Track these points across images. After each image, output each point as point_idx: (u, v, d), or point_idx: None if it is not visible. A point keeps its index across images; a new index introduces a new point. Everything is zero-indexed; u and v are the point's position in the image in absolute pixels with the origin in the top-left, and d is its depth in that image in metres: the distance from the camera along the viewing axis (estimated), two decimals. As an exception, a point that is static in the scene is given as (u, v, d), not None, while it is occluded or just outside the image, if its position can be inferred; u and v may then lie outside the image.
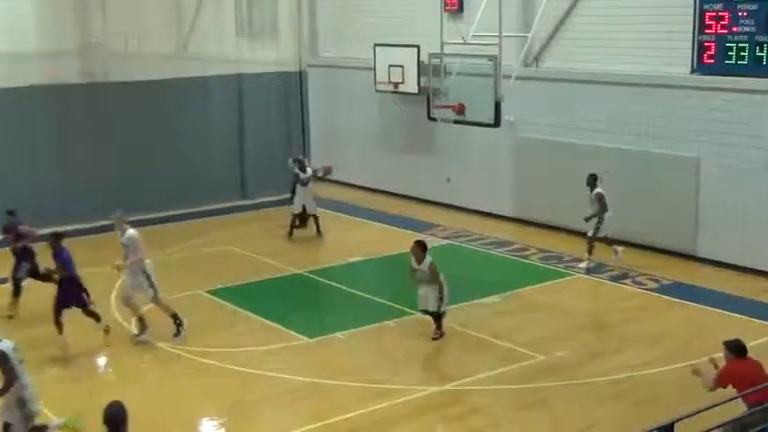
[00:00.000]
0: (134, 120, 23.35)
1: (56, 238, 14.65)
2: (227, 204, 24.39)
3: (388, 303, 16.67)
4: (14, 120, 21.75)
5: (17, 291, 16.35)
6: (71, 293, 14.53)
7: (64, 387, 13.22)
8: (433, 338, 14.72)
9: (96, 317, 14.88)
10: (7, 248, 16.70)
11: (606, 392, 12.76)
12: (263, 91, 25.39)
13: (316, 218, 21.56)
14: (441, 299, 14.59)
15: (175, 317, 15.14)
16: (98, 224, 20.35)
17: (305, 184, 21.15)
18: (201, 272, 18.89)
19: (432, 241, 19.64)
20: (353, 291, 17.52)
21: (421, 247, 14.78)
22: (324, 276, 18.65)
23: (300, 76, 26.19)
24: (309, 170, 21.31)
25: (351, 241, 21.42)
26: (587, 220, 18.24)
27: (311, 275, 18.73)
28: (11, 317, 16.06)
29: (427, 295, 14.65)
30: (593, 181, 18.23)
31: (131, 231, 15.04)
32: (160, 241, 20.61)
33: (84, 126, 22.60)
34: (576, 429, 11.76)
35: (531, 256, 19.54)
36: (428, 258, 14.62)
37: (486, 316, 16.04)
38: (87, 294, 14.75)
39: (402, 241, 18.74)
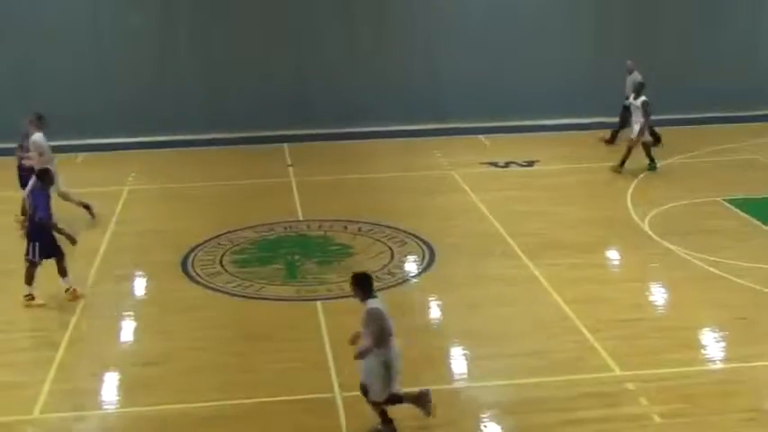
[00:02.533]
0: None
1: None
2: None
3: None
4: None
5: None
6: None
7: (570, 274, 13.72)
8: None
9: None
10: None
11: None
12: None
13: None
14: (384, 374, 9.24)
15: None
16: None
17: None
18: (723, 178, 18.19)
19: None
20: None
21: (354, 280, 9.40)
22: None
23: None
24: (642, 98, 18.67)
25: None
26: None
27: None
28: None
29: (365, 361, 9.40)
30: None
31: (35, 135, 15.43)
32: (684, 144, 20.24)
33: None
34: None
35: None
36: (371, 302, 9.28)
37: None
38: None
39: None
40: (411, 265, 14.36)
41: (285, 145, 21.51)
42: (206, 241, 15.21)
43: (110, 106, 21.49)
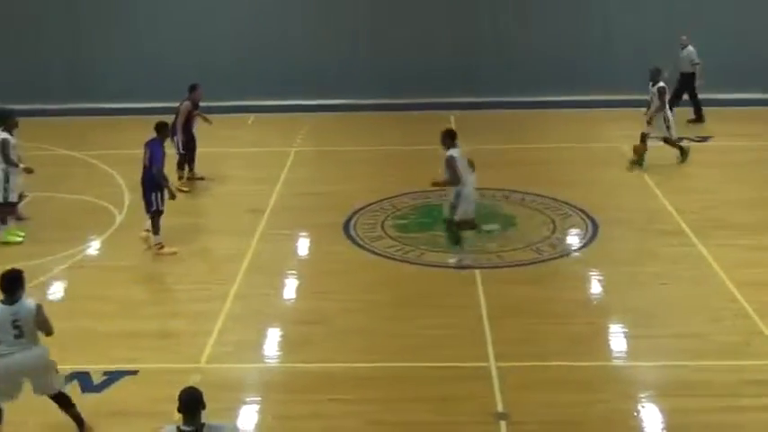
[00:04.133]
0: None
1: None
2: None
3: None
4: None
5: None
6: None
7: (740, 255, 13.17)
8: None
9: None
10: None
11: None
12: None
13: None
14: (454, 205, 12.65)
15: None
16: None
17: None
18: None
19: None
20: None
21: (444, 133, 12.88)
22: None
23: None
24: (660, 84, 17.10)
25: None
26: None
27: None
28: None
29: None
30: None
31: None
32: None
33: None
34: None
35: None
36: (451, 150, 12.59)
37: None
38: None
39: None
40: (573, 238, 14.13)
41: (451, 112, 21.49)
42: (369, 205, 15.43)
43: (277, 69, 21.99)
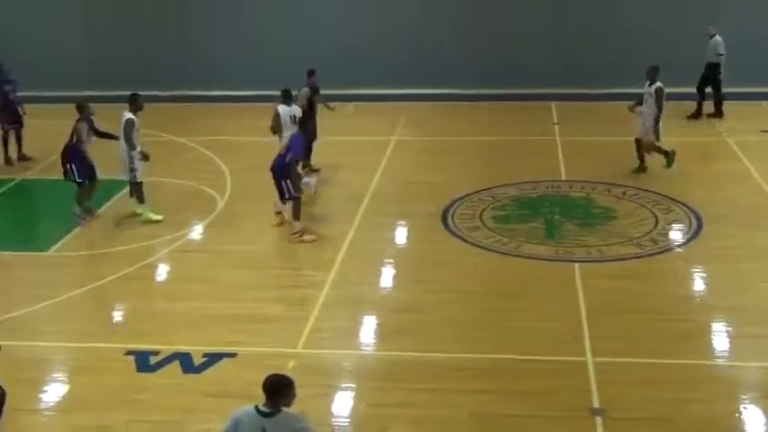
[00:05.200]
0: None
1: None
2: None
3: None
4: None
5: None
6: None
7: None
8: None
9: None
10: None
11: None
12: None
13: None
14: None
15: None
16: None
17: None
18: None
19: None
20: None
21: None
22: None
23: None
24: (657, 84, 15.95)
25: None
26: None
27: None
28: None
29: None
30: None
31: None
32: None
33: None
34: None
35: None
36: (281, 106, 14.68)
37: None
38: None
39: None
40: (676, 234, 13.81)
41: (552, 103, 21.22)
42: (467, 195, 15.38)
43: (378, 59, 22.04)
